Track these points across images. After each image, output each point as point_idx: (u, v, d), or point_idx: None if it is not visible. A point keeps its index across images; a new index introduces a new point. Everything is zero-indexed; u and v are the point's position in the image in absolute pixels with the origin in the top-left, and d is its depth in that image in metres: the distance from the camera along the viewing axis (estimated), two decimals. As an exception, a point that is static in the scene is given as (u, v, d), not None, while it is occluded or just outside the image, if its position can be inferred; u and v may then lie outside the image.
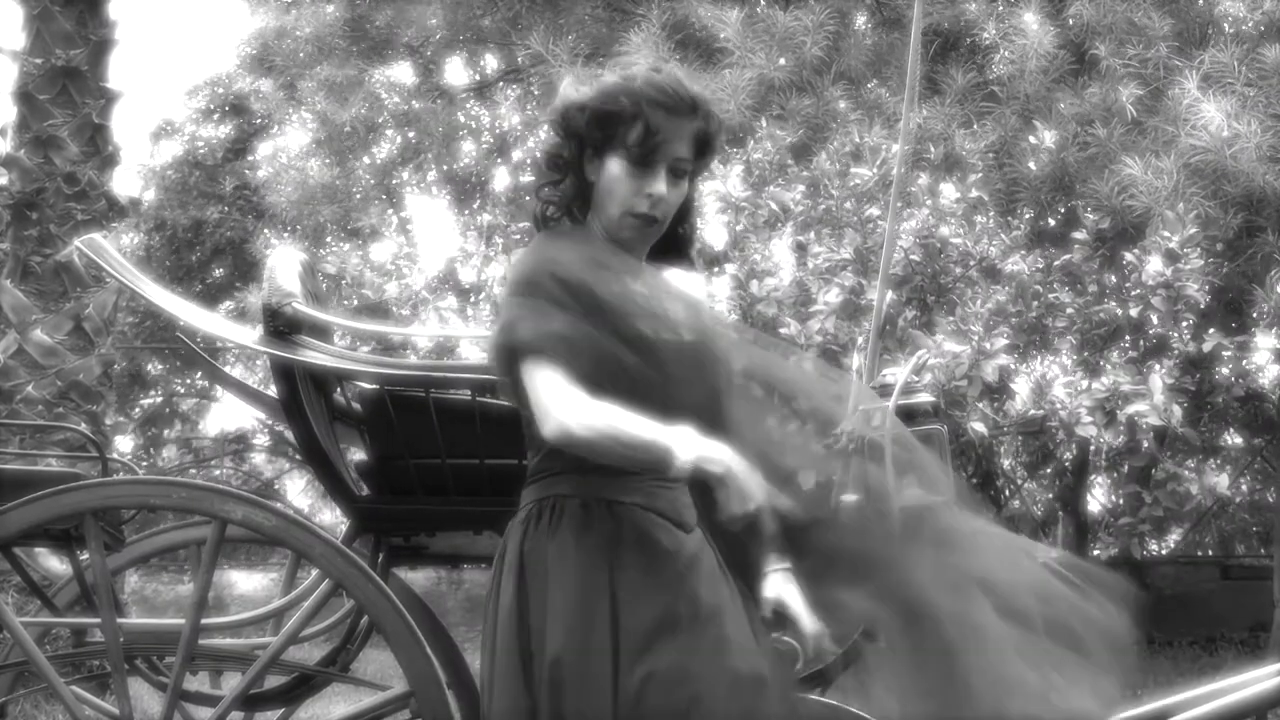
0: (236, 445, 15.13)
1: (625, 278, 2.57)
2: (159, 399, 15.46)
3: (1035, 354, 7.26)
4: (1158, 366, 6.64)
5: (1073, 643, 2.61)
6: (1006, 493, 14.63)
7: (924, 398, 3.32)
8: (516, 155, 13.75)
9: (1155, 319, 6.90)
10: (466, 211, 13.16)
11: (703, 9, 8.96)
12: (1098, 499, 14.43)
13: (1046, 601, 2.62)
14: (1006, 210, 8.15)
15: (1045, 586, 2.64)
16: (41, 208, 7.26)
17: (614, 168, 2.55)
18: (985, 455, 11.67)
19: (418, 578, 10.36)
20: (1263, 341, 7.17)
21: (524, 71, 11.96)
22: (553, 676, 2.41)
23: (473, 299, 7.49)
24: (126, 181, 15.18)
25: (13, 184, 7.34)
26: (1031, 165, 8.21)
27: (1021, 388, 6.66)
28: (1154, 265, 6.71)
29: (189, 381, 15.51)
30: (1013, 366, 6.54)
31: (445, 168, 13.42)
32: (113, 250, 3.60)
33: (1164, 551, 14.09)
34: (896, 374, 3.30)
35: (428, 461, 3.31)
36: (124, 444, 14.28)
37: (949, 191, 6.98)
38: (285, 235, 11.75)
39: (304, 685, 3.56)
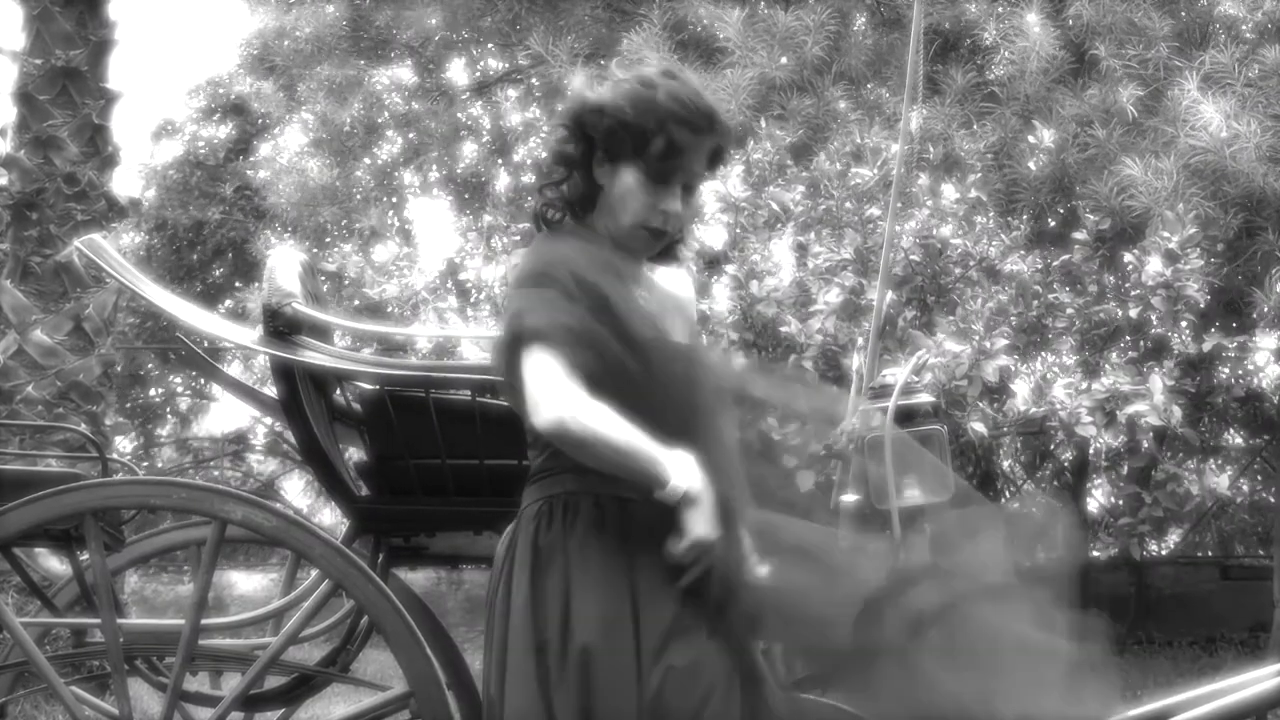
0: (236, 445, 15.12)
1: (632, 284, 2.57)
2: (156, 398, 15.44)
3: (1035, 354, 7.26)
4: (1157, 367, 6.64)
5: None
6: (1006, 493, 14.64)
7: (924, 398, 3.32)
8: (517, 156, 13.77)
9: (1155, 319, 6.90)
10: (468, 212, 13.16)
11: (703, 9, 8.96)
12: (1097, 499, 14.44)
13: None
14: (1006, 211, 8.15)
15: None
16: (41, 208, 7.26)
17: (629, 179, 2.53)
18: (985, 455, 11.68)
19: (417, 578, 10.35)
20: (1263, 342, 7.17)
21: (524, 72, 11.96)
22: (580, 675, 2.39)
23: (473, 299, 7.49)
24: (127, 182, 15.20)
25: (13, 184, 7.34)
26: (1031, 166, 8.22)
27: (1021, 388, 6.65)
28: (1154, 265, 6.71)
29: (189, 382, 15.50)
30: (1013, 367, 6.53)
31: (444, 171, 13.42)
32: (112, 251, 3.61)
33: (1163, 552, 14.08)
34: (896, 374, 3.30)
35: (428, 462, 3.32)
36: (124, 444, 14.27)
37: (949, 192, 6.98)
38: (286, 236, 11.75)
39: (304, 686, 3.56)
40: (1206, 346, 6.97)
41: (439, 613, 3.99)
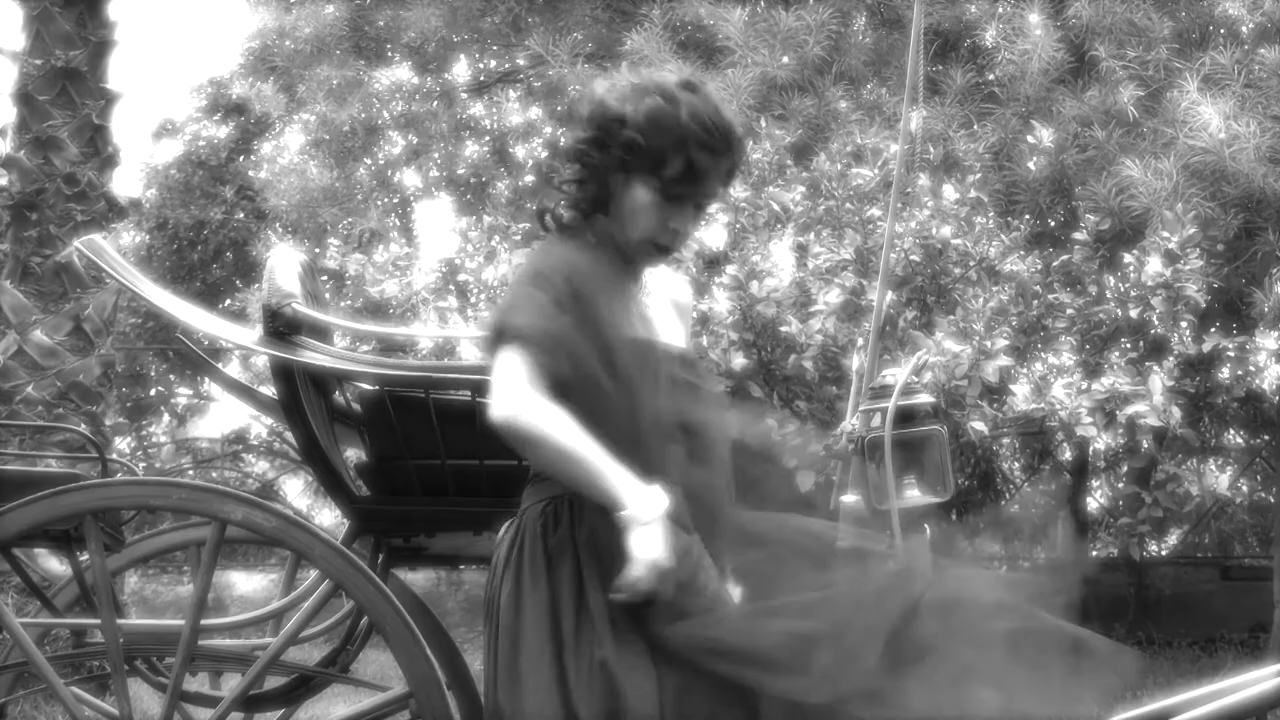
0: (235, 445, 15.12)
1: (629, 300, 2.57)
2: (153, 397, 15.43)
3: (1035, 354, 7.26)
4: (1157, 367, 6.64)
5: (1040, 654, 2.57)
6: (1006, 493, 14.63)
7: (924, 398, 3.32)
8: (518, 156, 13.76)
9: (1155, 320, 6.90)
10: (469, 214, 13.17)
11: (703, 8, 8.97)
12: (1097, 500, 14.43)
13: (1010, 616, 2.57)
14: (1006, 211, 8.15)
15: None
16: (41, 209, 7.26)
17: (643, 195, 2.53)
18: (985, 456, 11.69)
19: (417, 579, 10.36)
20: (1263, 342, 7.17)
21: (524, 72, 11.97)
22: (602, 676, 2.39)
23: (472, 300, 7.48)
24: (127, 182, 15.19)
25: (12, 185, 7.34)
26: (1031, 166, 8.22)
27: (1021, 388, 6.65)
28: (1153, 266, 6.71)
29: (186, 381, 15.49)
30: (1013, 368, 6.53)
31: (445, 171, 13.42)
32: (112, 251, 3.60)
33: (1163, 552, 14.08)
34: (896, 374, 3.30)
35: (427, 462, 3.31)
36: (123, 445, 14.27)
37: (949, 192, 6.98)
38: (288, 237, 11.75)
39: (304, 686, 3.56)
40: (1206, 347, 6.97)
41: (439, 613, 3.99)
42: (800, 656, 2.39)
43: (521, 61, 11.90)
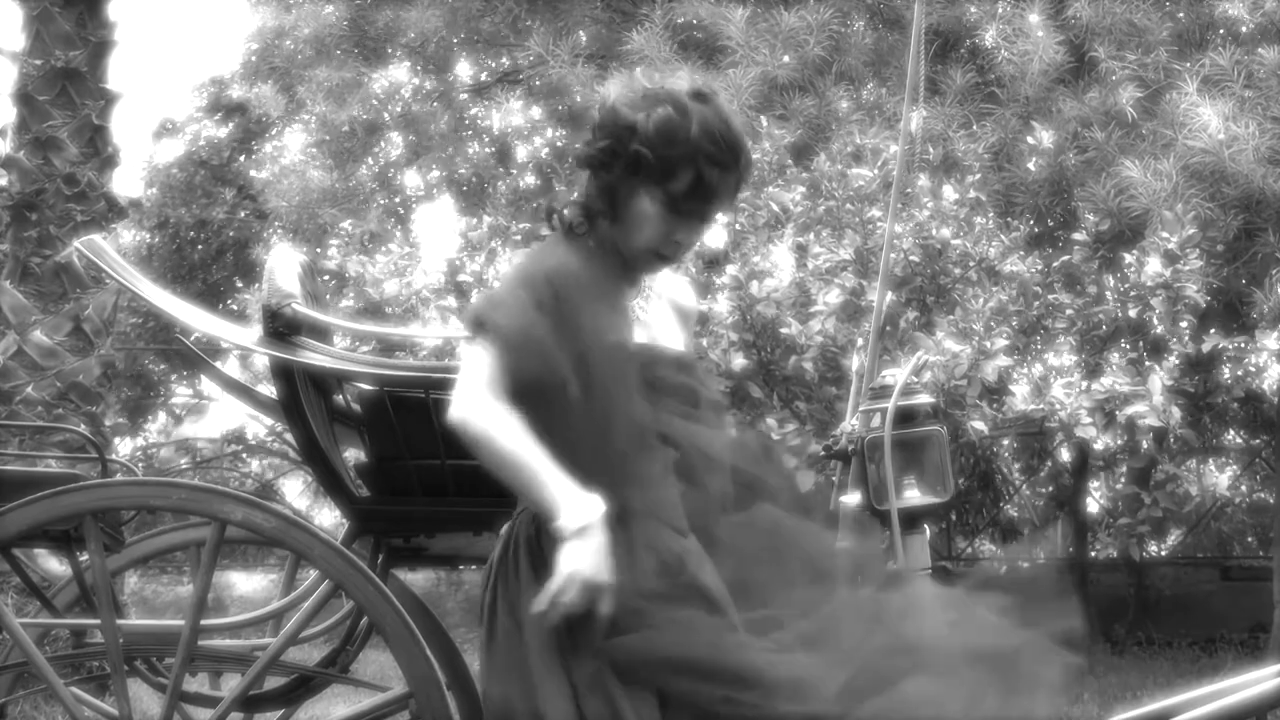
0: (235, 446, 15.12)
1: (621, 310, 2.57)
2: (152, 397, 15.43)
3: (1035, 355, 7.27)
4: (1157, 368, 6.64)
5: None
6: (1006, 494, 14.64)
7: (923, 398, 3.32)
8: (518, 156, 13.76)
9: (1155, 320, 6.90)
10: (470, 214, 13.16)
11: (703, 8, 8.97)
12: (1097, 500, 14.43)
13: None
14: (1006, 212, 8.16)
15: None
16: (41, 209, 7.26)
17: (648, 206, 2.53)
18: (985, 456, 11.69)
19: (417, 579, 10.36)
20: (1263, 342, 7.17)
21: (524, 72, 11.96)
22: (611, 680, 2.41)
23: (474, 300, 7.48)
24: (127, 182, 15.19)
25: (12, 185, 7.33)
26: (1030, 167, 8.23)
27: (1021, 389, 6.66)
28: (1153, 266, 6.71)
29: (183, 379, 15.49)
30: (1013, 368, 6.53)
31: (445, 172, 13.41)
32: (112, 251, 3.60)
33: (1163, 553, 14.08)
34: (896, 375, 3.30)
35: (427, 462, 3.31)
36: (123, 445, 14.28)
37: (949, 193, 6.98)
38: (289, 237, 11.75)
39: (304, 686, 3.56)
40: (1206, 347, 6.97)
41: (439, 613, 3.99)
42: (763, 675, 2.37)
43: (522, 62, 11.89)
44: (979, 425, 6.08)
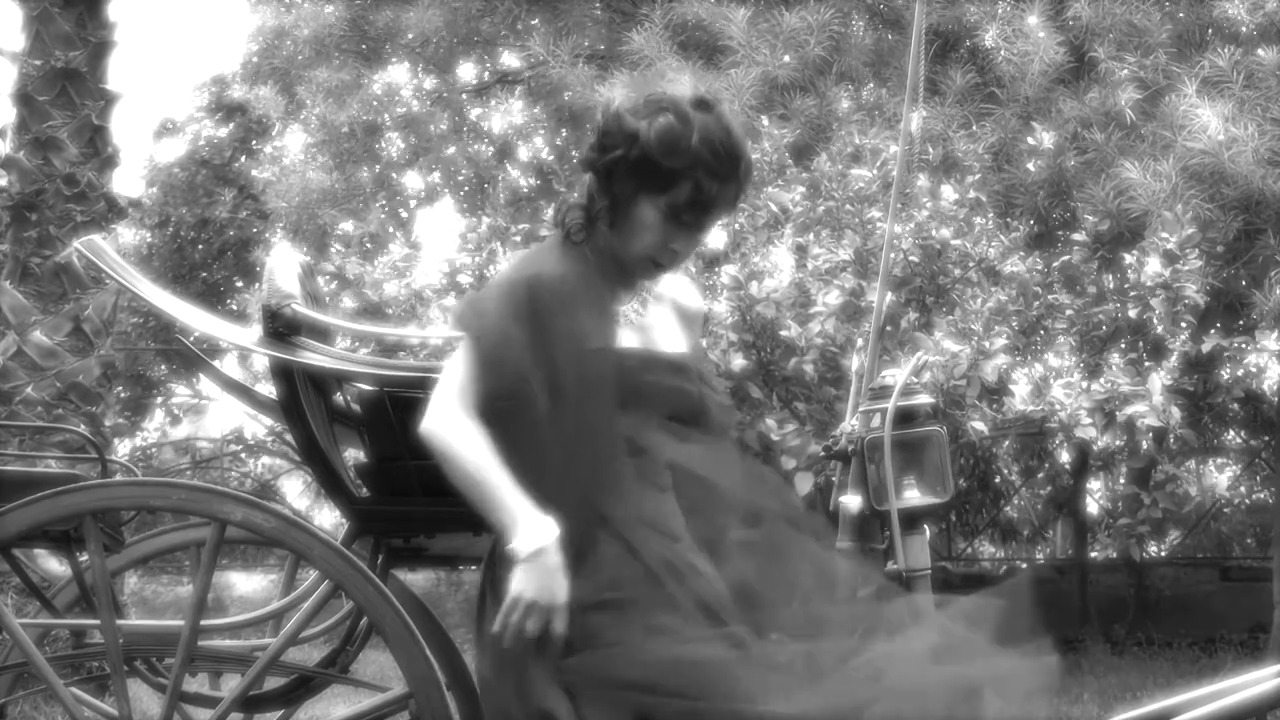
0: (235, 446, 15.12)
1: (611, 315, 2.57)
2: (152, 396, 15.43)
3: (1035, 355, 7.27)
4: (1157, 368, 6.64)
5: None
6: (1005, 494, 14.64)
7: (923, 399, 3.32)
8: (520, 157, 13.76)
9: (1155, 320, 6.90)
10: (470, 215, 13.17)
11: (704, 9, 8.97)
12: (1097, 500, 14.44)
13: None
14: (1005, 212, 8.16)
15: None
16: (41, 209, 7.26)
17: (648, 214, 2.54)
18: (984, 457, 11.69)
19: (417, 579, 10.36)
20: (1264, 342, 7.17)
21: (524, 73, 11.96)
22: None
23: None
24: (127, 182, 15.20)
25: (12, 185, 7.33)
26: (1030, 168, 8.23)
27: (1021, 389, 6.66)
28: (1152, 266, 6.71)
29: (179, 378, 15.49)
30: (1012, 368, 6.53)
31: (446, 171, 13.41)
32: (111, 252, 3.60)
33: (1163, 553, 14.08)
34: (896, 375, 3.30)
35: (427, 463, 3.30)
36: (123, 446, 14.27)
37: (948, 193, 6.98)
38: (289, 238, 11.74)
39: (303, 687, 3.55)
40: (1206, 348, 6.97)
41: (439, 614, 3.99)
42: (725, 685, 2.36)
43: (520, 63, 11.90)
44: (978, 426, 6.08)
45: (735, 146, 2.54)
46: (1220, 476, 15.42)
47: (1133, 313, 6.87)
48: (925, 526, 3.25)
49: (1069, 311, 7.07)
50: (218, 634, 3.45)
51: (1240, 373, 7.63)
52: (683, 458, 2.56)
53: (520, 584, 2.42)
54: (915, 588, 3.12)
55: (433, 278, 7.71)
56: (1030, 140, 8.27)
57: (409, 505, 3.38)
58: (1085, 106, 8.18)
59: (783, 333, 6.37)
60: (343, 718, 3.60)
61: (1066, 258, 7.38)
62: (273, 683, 3.49)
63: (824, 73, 8.77)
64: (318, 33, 11.80)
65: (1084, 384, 6.57)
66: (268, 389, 3.83)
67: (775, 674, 2.35)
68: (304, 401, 3.34)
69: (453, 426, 2.50)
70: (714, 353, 6.28)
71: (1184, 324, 6.86)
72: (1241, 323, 8.41)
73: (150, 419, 15.67)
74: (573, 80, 9.40)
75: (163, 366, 15.26)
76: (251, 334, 3.45)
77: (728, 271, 6.55)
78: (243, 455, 15.21)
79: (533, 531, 2.43)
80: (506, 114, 13.68)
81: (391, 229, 12.30)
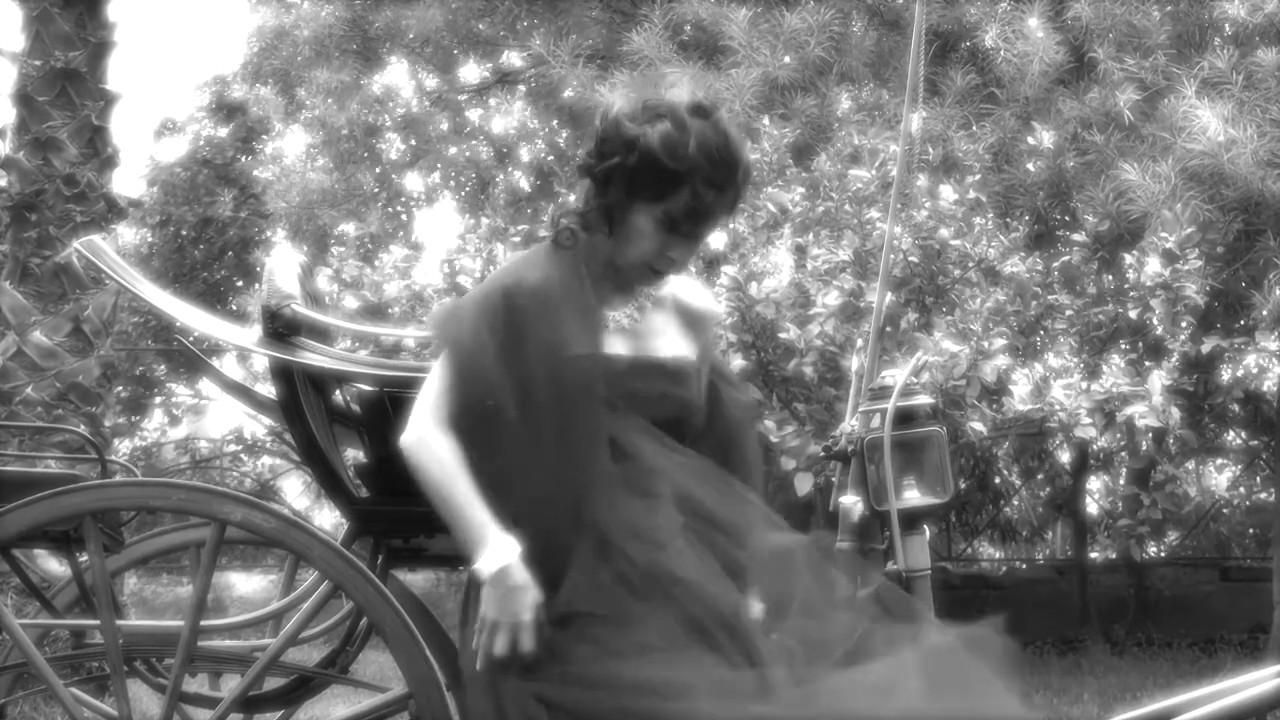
0: (235, 446, 15.12)
1: (597, 321, 2.57)
2: (152, 395, 15.43)
3: (1034, 355, 7.27)
4: (1156, 368, 6.63)
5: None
6: (1005, 495, 14.64)
7: (923, 399, 3.31)
8: (520, 157, 13.76)
9: (1155, 320, 6.90)
10: (470, 216, 13.17)
11: (704, 9, 8.97)
12: (1096, 501, 14.44)
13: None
14: (1005, 212, 8.16)
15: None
16: (40, 209, 7.26)
17: (644, 223, 2.53)
18: (984, 457, 11.69)
19: (417, 579, 10.35)
20: (1264, 343, 7.16)
21: (524, 73, 11.96)
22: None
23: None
24: (127, 182, 15.20)
25: (12, 186, 7.33)
26: (1030, 168, 8.23)
27: (1021, 389, 6.65)
28: (1152, 266, 6.71)
29: (185, 380, 15.49)
30: (1012, 368, 6.53)
31: (446, 172, 13.41)
32: (111, 252, 3.60)
33: (1163, 553, 14.09)
34: (895, 376, 3.30)
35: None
36: (123, 445, 14.27)
37: (948, 193, 6.98)
38: (290, 238, 11.74)
39: (303, 687, 3.55)
40: (1206, 348, 6.97)
41: (439, 614, 3.98)
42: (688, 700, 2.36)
43: (521, 63, 11.90)
44: (977, 427, 6.08)
45: (733, 154, 2.52)
46: (1220, 477, 15.42)
47: (1133, 313, 6.87)
48: (925, 527, 3.25)
49: (1069, 312, 7.07)
50: (217, 634, 3.45)
51: (1240, 373, 7.62)
52: (641, 450, 2.55)
53: (485, 604, 2.44)
54: (915, 588, 3.11)
55: (433, 278, 7.72)
56: (1030, 140, 8.27)
57: (409, 505, 3.36)
58: (1085, 107, 8.18)
59: (782, 335, 6.37)
60: (343, 718, 3.60)
61: (1066, 258, 7.38)
62: (273, 683, 3.49)
63: (824, 73, 8.77)
64: (318, 33, 11.80)
65: (1084, 384, 6.56)
66: (268, 389, 3.83)
67: (730, 698, 2.34)
68: (304, 402, 3.34)
69: (424, 441, 2.53)
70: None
71: (1184, 324, 6.86)
72: (1241, 323, 8.41)
73: (150, 419, 15.67)
74: (573, 80, 9.41)
75: (163, 366, 15.26)
76: (251, 334, 3.46)
77: (727, 272, 6.55)
78: (242, 455, 15.21)
79: (495, 551, 2.44)
80: (507, 114, 13.69)
81: (391, 228, 12.31)
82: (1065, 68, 8.42)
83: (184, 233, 14.62)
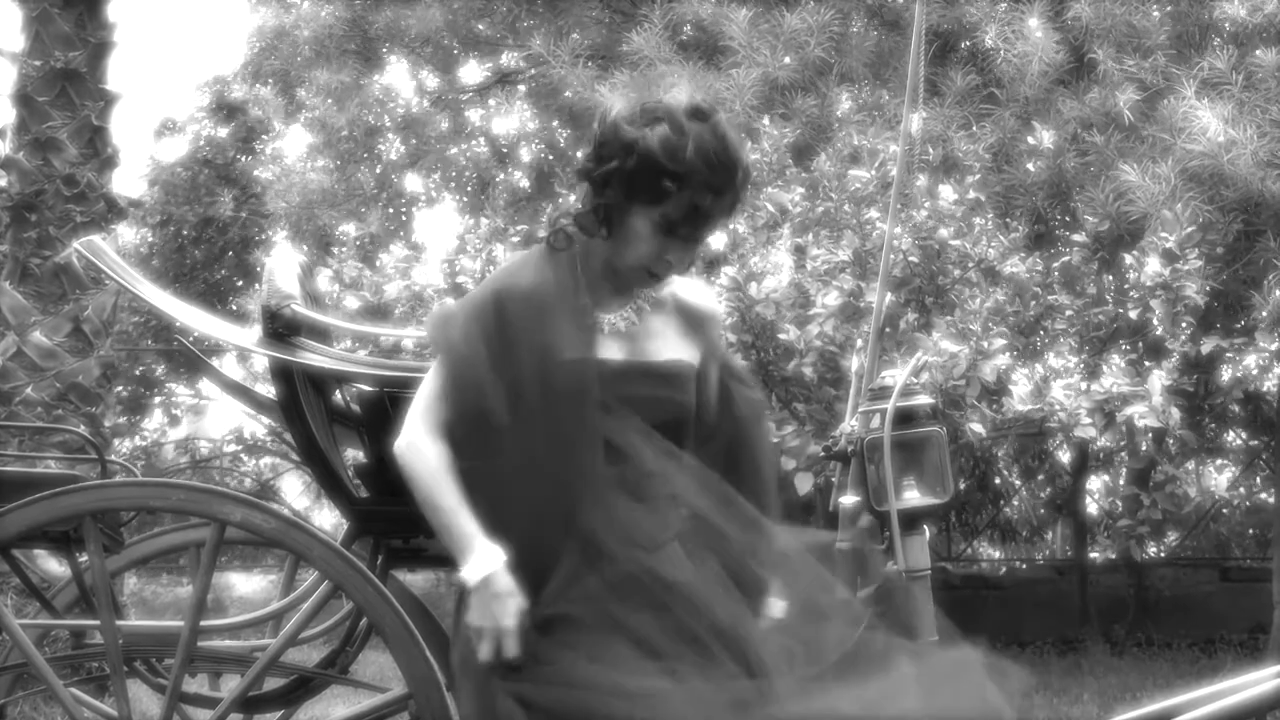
0: (235, 446, 15.11)
1: (588, 325, 2.57)
2: (152, 395, 15.43)
3: (1034, 355, 7.27)
4: (1156, 368, 6.63)
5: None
6: (1005, 495, 14.63)
7: (923, 399, 3.31)
8: (520, 157, 13.76)
9: (1155, 320, 6.89)
10: (470, 216, 13.18)
11: (704, 9, 8.97)
12: (1096, 501, 14.43)
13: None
14: (1005, 213, 8.16)
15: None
16: (40, 210, 7.26)
17: (642, 225, 2.53)
18: (984, 458, 11.69)
19: (416, 580, 10.34)
20: (1264, 343, 7.16)
21: (524, 73, 11.96)
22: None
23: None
24: (127, 182, 15.19)
25: (12, 186, 7.33)
26: (1030, 168, 8.23)
27: (1021, 389, 6.65)
28: (1152, 266, 6.70)
29: (185, 380, 15.49)
30: (1012, 368, 6.53)
31: (447, 173, 13.41)
32: (111, 252, 3.60)
33: (1163, 554, 14.08)
34: (895, 376, 3.30)
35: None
36: (123, 445, 14.27)
37: (947, 193, 6.98)
38: (291, 239, 11.75)
39: (303, 687, 3.56)
40: (1206, 348, 6.97)
41: (438, 614, 3.98)
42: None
43: (521, 63, 11.89)
44: (977, 427, 6.07)
45: (731, 157, 2.52)
46: (1220, 477, 15.41)
47: (1133, 313, 6.87)
48: (925, 527, 3.25)
49: (1069, 312, 7.07)
50: (217, 635, 3.46)
51: (1240, 374, 7.62)
52: (636, 453, 2.55)
53: (470, 611, 2.47)
54: (915, 588, 3.11)
55: (434, 278, 7.71)
56: (1030, 140, 8.27)
57: (409, 505, 3.37)
58: (1085, 107, 8.18)
59: (781, 335, 6.37)
60: (342, 718, 3.60)
61: (1066, 258, 7.37)
62: (272, 683, 3.49)
63: (824, 73, 8.77)
64: (318, 33, 11.80)
65: (1084, 384, 6.56)
66: (268, 389, 3.83)
67: (704, 708, 2.35)
68: (304, 402, 3.35)
69: (413, 447, 2.54)
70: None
71: (1184, 325, 6.85)
72: (1241, 323, 8.41)
73: (150, 419, 15.66)
74: (573, 80, 9.41)
75: (163, 366, 15.25)
76: (251, 334, 3.46)
77: (726, 272, 6.55)
78: (242, 455, 15.20)
79: (480, 559, 2.47)
80: (507, 114, 13.69)
81: (391, 228, 12.31)
82: (1065, 68, 8.41)
83: (184, 233, 14.61)
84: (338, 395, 3.62)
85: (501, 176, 13.42)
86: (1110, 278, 7.61)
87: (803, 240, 6.93)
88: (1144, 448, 6.52)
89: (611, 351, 2.59)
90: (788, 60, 8.63)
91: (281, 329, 3.29)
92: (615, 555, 2.45)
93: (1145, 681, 8.97)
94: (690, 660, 2.39)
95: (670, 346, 2.66)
